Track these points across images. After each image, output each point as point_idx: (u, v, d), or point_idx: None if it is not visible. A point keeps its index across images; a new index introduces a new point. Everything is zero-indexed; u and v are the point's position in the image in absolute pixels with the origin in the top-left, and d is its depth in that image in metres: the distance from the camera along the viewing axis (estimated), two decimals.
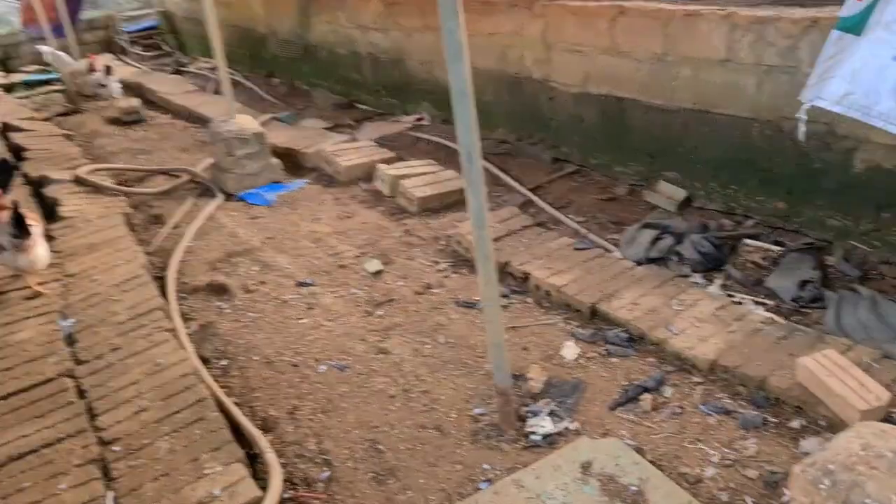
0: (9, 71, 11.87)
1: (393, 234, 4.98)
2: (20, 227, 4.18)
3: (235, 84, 9.81)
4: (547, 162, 5.85)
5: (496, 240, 4.55)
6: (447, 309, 4.05)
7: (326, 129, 7.59)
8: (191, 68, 11.68)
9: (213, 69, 10.76)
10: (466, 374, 3.51)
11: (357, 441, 3.15)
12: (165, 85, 9.95)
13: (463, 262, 4.57)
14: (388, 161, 6.04)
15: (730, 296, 3.92)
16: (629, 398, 3.21)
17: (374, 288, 4.35)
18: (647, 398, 3.20)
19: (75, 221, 5.35)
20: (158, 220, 5.77)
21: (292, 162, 6.66)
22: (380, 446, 3.10)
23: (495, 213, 4.88)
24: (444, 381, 3.47)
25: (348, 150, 6.24)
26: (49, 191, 5.91)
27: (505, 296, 4.12)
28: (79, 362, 3.69)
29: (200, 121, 8.43)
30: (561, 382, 3.35)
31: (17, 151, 7.27)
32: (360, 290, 4.34)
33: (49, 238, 5.15)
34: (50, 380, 3.58)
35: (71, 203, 5.70)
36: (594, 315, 3.82)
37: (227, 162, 5.99)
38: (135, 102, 8.75)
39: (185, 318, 4.28)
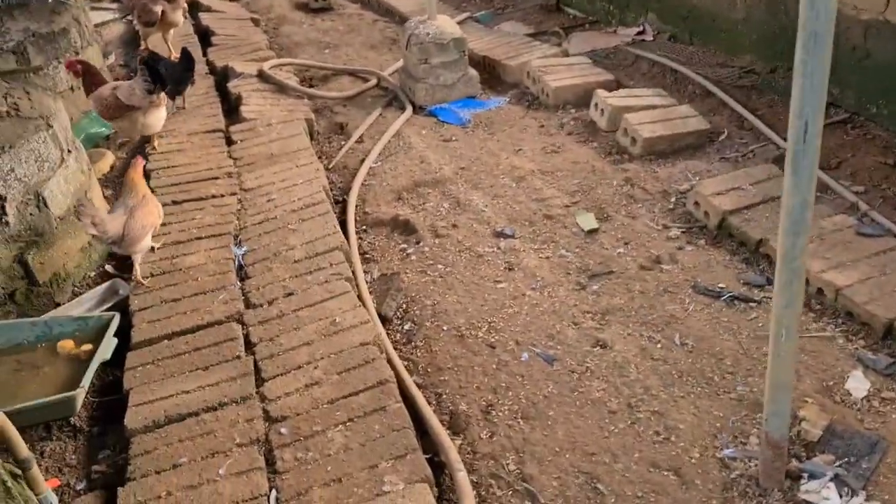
0: None
1: (610, 181, 4.13)
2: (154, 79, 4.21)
3: None
4: None
5: (746, 208, 3.61)
6: (682, 295, 3.22)
7: (529, 35, 6.67)
8: None
9: None
10: (711, 395, 2.72)
11: (569, 470, 2.47)
12: None
13: (700, 230, 3.68)
14: (606, 85, 5.09)
15: None
16: None
17: (588, 252, 3.57)
18: None
19: (256, 124, 4.88)
20: (342, 129, 5.21)
21: (489, 74, 5.86)
22: (599, 485, 2.41)
23: (745, 171, 3.89)
24: (682, 401, 2.69)
25: (558, 68, 5.33)
26: (233, 85, 5.47)
27: (759, 286, 3.22)
28: (248, 305, 3.21)
29: (391, 14, 7.74)
30: (850, 434, 2.49)
31: (205, 35, 6.92)
32: (570, 253, 3.57)
33: (229, 141, 4.73)
34: (218, 322, 3.14)
35: (253, 102, 5.24)
36: (889, 335, 2.86)
37: (420, 69, 5.27)
38: None
39: (365, 258, 3.71)
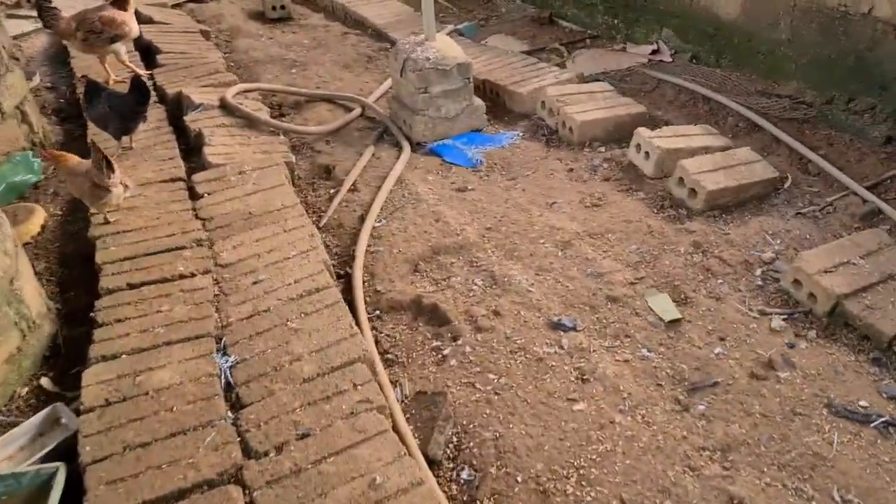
0: None
1: (676, 247, 3.39)
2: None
3: None
4: (878, 141, 4.04)
5: (863, 290, 2.90)
6: (816, 418, 2.49)
7: (524, 52, 5.89)
8: None
9: None
10: None
11: None
12: None
13: (806, 316, 2.96)
14: (637, 119, 4.37)
15: None
16: None
17: (676, 352, 2.81)
18: None
19: (226, 171, 3.98)
20: (328, 173, 4.34)
21: (492, 101, 5.07)
22: None
23: (851, 240, 3.19)
24: None
25: (579, 97, 4.57)
26: (191, 120, 4.53)
27: (893, 397, 2.52)
28: (248, 452, 2.35)
29: (361, 26, 6.86)
30: None
31: (149, 52, 5.91)
32: (653, 353, 2.81)
33: (193, 194, 3.82)
34: (208, 484, 2.27)
35: (219, 141, 4.31)
36: None
37: (419, 100, 4.44)
38: None
39: (387, 361, 2.88)
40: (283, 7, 7.25)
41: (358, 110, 5.00)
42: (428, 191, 4.00)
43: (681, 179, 3.69)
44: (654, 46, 5.48)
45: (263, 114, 4.69)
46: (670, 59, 5.31)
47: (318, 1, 7.80)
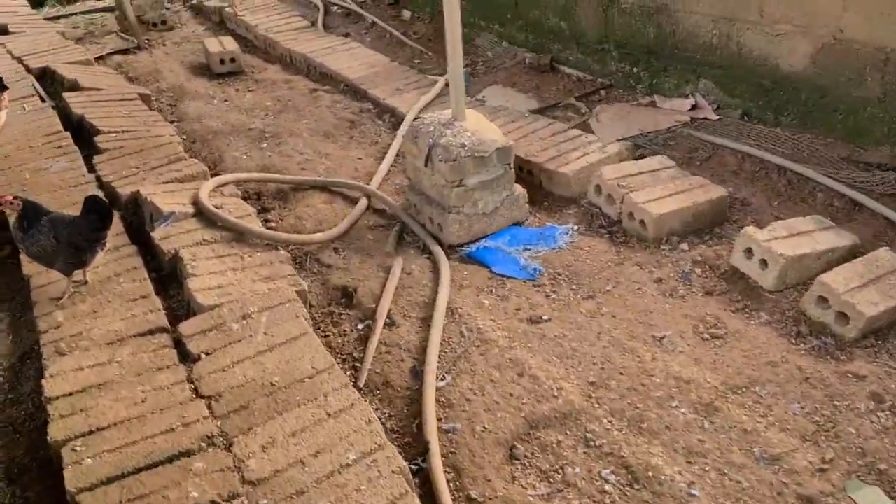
0: None
1: (850, 401, 2.62)
2: None
3: (347, 13, 7.24)
4: None
5: None
6: None
7: (535, 112, 5.07)
8: None
9: None
10: None
11: None
12: (259, 14, 7.27)
13: None
14: (720, 205, 3.63)
15: None
16: None
17: None
18: None
19: (224, 317, 3.00)
20: (348, 297, 3.39)
21: (521, 180, 4.20)
22: None
23: None
24: None
25: (642, 178, 3.78)
26: (161, 237, 3.50)
27: None
28: None
29: (330, 80, 5.89)
30: None
31: (81, 131, 4.82)
32: None
33: (183, 353, 2.84)
34: None
35: (204, 268, 3.32)
36: None
37: (452, 195, 3.55)
38: (230, 45, 6.16)
39: None
40: (232, 60, 6.22)
41: (363, 202, 4.06)
42: (491, 324, 3.10)
43: (821, 299, 2.91)
44: (692, 101, 4.73)
45: (253, 220, 3.70)
46: (716, 117, 4.57)
47: (270, 50, 6.76)
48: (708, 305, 3.16)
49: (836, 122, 4.08)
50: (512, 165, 3.72)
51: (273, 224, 3.98)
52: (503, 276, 3.48)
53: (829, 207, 3.74)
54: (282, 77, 6.12)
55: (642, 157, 4.33)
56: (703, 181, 3.78)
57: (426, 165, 3.66)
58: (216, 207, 3.72)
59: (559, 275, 3.45)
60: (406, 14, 7.37)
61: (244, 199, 4.23)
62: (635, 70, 5.18)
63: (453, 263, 3.57)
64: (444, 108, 4.90)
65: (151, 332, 3.04)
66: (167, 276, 3.50)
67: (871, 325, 2.84)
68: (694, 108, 4.72)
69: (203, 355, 2.89)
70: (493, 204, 3.71)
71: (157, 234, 3.55)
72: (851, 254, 3.22)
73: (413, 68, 6.14)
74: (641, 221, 3.58)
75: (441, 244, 3.71)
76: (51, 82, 5.79)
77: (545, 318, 3.14)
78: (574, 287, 3.36)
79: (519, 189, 3.81)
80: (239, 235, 3.58)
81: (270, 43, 6.66)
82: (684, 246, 3.56)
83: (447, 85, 5.27)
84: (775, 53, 4.25)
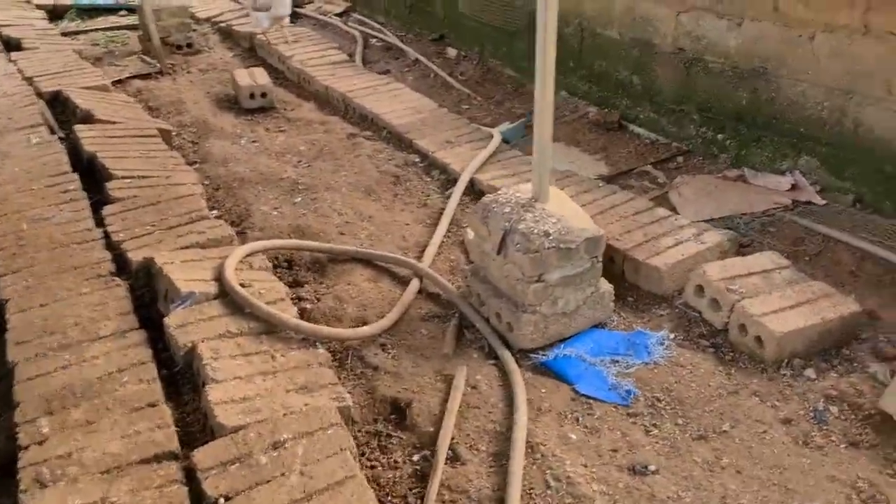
0: None
1: None
2: None
3: (387, 48, 6.67)
4: None
5: None
6: None
7: (603, 178, 4.46)
8: (310, 9, 8.41)
9: (345, 14, 7.60)
10: None
11: None
12: (294, 44, 6.70)
13: None
14: (851, 322, 3.01)
15: None
16: None
17: None
18: None
19: (250, 445, 2.36)
20: (399, 413, 2.76)
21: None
22: None
23: None
24: None
25: (754, 282, 3.17)
26: (177, 325, 2.88)
27: None
28: None
29: (370, 124, 5.31)
30: None
31: (92, 173, 4.24)
32: None
33: (196, 490, 2.19)
34: None
35: (227, 370, 2.70)
36: None
37: (528, 292, 2.94)
38: (262, 78, 5.58)
39: None
40: (263, 95, 5.64)
41: (414, 284, 3.44)
42: (584, 472, 2.46)
43: None
44: (791, 179, 4.11)
45: (288, 306, 3.07)
46: (823, 202, 3.94)
47: (304, 85, 6.18)
48: (857, 463, 2.51)
49: None
50: (600, 258, 3.09)
51: (308, 305, 3.35)
52: (589, 397, 2.83)
53: None
54: (317, 117, 5.53)
55: (742, 245, 3.70)
56: (827, 289, 3.15)
57: (499, 253, 3.03)
58: (243, 286, 3.09)
59: (658, 400, 2.81)
60: (451, 52, 6.81)
61: (274, 266, 3.62)
62: (720, 137, 4.57)
63: (527, 375, 2.94)
64: (501, 166, 4.35)
65: (158, 459, 2.42)
66: (180, 374, 2.87)
67: None
68: (794, 188, 4.09)
69: (223, 500, 2.24)
70: (574, 303, 3.09)
71: (171, 320, 2.93)
72: None
73: (461, 114, 5.56)
74: (758, 338, 2.94)
75: (510, 347, 3.07)
76: (62, 109, 5.22)
77: (651, 467, 2.50)
78: (680, 421, 2.72)
79: (605, 285, 3.19)
80: (270, 326, 2.94)
81: (305, 77, 6.08)
82: (810, 373, 2.92)
83: (506, 141, 4.71)
84: (884, 129, 3.64)
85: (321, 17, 8.01)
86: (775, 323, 2.93)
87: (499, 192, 3.21)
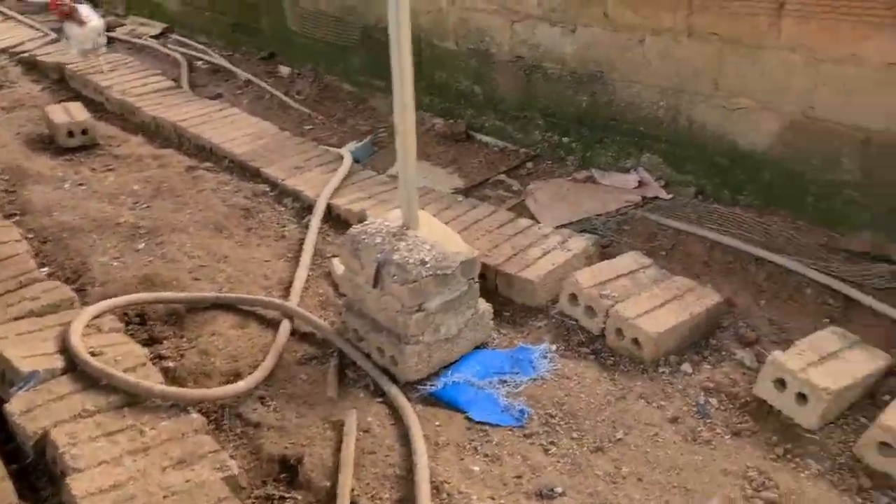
0: None
1: None
2: None
3: (214, 70, 6.37)
4: None
5: None
6: None
7: (458, 191, 4.47)
8: (122, 32, 7.86)
9: (163, 36, 7.18)
10: None
11: None
12: (111, 73, 6.21)
13: None
14: (716, 313, 3.18)
15: None
16: None
17: None
18: None
19: None
20: (289, 472, 2.59)
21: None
22: None
23: None
24: None
25: (624, 285, 3.27)
26: (24, 412, 2.54)
27: None
28: None
29: (209, 154, 5.03)
30: None
31: None
32: None
33: None
34: None
35: (89, 457, 2.42)
36: None
37: (409, 323, 2.86)
38: (80, 114, 5.13)
39: None
40: (84, 132, 5.18)
41: (285, 326, 3.25)
42: None
43: (885, 447, 2.45)
44: (636, 176, 4.29)
45: (150, 370, 2.80)
46: (668, 196, 4.14)
47: (129, 117, 5.74)
48: (743, 452, 2.63)
49: (805, 205, 3.73)
50: (476, 279, 3.05)
51: (171, 364, 3.08)
52: (485, 423, 2.78)
53: (823, 306, 3.36)
54: (148, 151, 5.14)
55: (603, 246, 3.81)
56: (689, 283, 3.29)
57: (375, 286, 2.92)
58: (94, 354, 2.79)
59: (552, 416, 2.82)
60: (284, 70, 6.57)
61: (126, 324, 3.30)
62: (565, 140, 4.69)
63: (418, 408, 2.85)
64: (357, 188, 4.24)
65: None
66: (33, 466, 2.53)
67: None
68: (641, 184, 4.26)
69: None
70: (456, 327, 3.03)
71: (14, 406, 2.58)
72: (884, 375, 2.80)
73: (305, 136, 5.38)
74: (635, 340, 3.02)
75: (396, 381, 2.97)
76: None
77: (557, 489, 2.49)
78: (576, 435, 2.73)
79: (483, 305, 3.16)
80: (133, 396, 2.66)
81: (129, 108, 5.64)
82: (686, 367, 3.03)
83: (356, 161, 4.59)
84: (733, 130, 3.89)
85: (136, 40, 7.48)
86: (650, 324, 3.01)
87: (367, 222, 3.09)
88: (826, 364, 2.71)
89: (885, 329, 3.19)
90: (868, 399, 2.80)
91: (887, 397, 2.79)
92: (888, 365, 2.79)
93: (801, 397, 2.65)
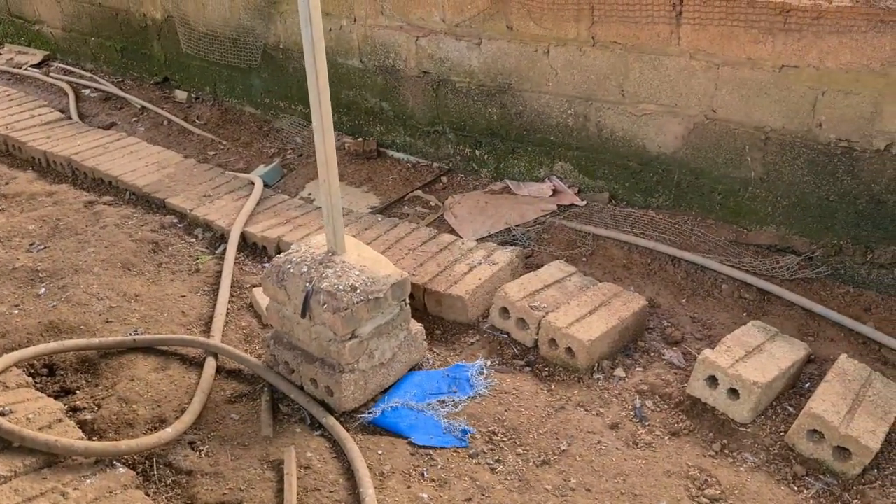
0: None
1: None
2: None
3: (105, 98, 6.12)
4: None
5: None
6: None
7: (376, 211, 4.42)
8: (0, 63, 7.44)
9: (44, 64, 6.83)
10: None
11: None
12: None
13: None
14: (641, 316, 3.24)
15: None
16: None
17: None
18: None
19: None
20: None
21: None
22: None
23: None
24: None
25: (552, 295, 3.30)
26: None
27: None
28: None
29: (108, 188, 4.80)
30: None
31: None
32: None
33: None
34: None
35: None
36: None
37: (344, 351, 2.79)
38: None
39: None
40: None
41: (210, 364, 3.11)
42: None
43: (815, 434, 2.55)
44: (551, 184, 4.35)
45: (69, 427, 2.62)
46: (583, 202, 4.21)
47: (14, 153, 5.40)
48: (683, 452, 2.68)
49: (714, 203, 3.87)
50: (407, 301, 3.01)
51: (88, 416, 2.89)
52: (425, 446, 2.74)
53: (739, 300, 3.49)
54: (41, 188, 4.85)
55: (526, 256, 3.83)
56: (615, 288, 3.35)
57: (304, 316, 2.83)
58: (3, 414, 2.59)
59: (494, 434, 2.80)
60: (180, 95, 6.35)
61: (33, 376, 3.09)
62: (477, 153, 4.71)
63: (359, 438, 2.78)
64: (272, 213, 4.14)
65: None
66: None
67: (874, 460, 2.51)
68: (555, 192, 4.32)
69: None
70: (390, 351, 2.98)
71: None
72: (805, 364, 2.93)
73: (209, 162, 5.20)
74: (568, 349, 3.05)
75: (332, 412, 2.89)
76: None
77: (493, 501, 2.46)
78: (520, 451, 2.72)
79: (415, 326, 3.12)
80: (51, 456, 2.48)
81: (14, 144, 5.31)
82: (619, 372, 3.08)
83: (266, 185, 4.47)
84: (641, 134, 3.99)
85: (15, 70, 7.07)
86: (581, 332, 3.04)
87: (290, 250, 3.00)
88: (753, 358, 2.80)
89: (799, 317, 3.34)
90: (791, 388, 2.91)
91: (808, 384, 2.92)
92: (807, 353, 2.91)
93: (733, 393, 2.73)
